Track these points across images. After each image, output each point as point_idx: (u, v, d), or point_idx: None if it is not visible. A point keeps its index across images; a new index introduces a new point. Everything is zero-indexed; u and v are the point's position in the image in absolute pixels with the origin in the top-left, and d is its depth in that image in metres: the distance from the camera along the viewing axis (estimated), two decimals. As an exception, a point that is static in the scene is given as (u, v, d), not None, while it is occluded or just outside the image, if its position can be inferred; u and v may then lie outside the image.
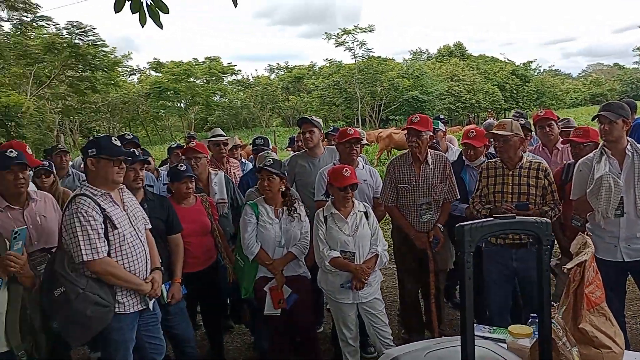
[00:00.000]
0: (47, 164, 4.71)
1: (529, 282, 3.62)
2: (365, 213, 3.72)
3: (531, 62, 60.97)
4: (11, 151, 3.32)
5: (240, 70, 48.43)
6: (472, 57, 55.39)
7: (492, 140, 3.98)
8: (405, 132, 4.06)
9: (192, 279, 3.80)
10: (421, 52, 61.86)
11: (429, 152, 4.04)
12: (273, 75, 55.12)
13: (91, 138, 3.48)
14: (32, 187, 3.72)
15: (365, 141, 4.98)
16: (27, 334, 2.87)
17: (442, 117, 6.74)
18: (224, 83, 46.80)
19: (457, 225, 1.22)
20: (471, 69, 48.99)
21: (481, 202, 3.80)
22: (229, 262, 4.11)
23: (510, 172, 3.70)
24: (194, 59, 42.94)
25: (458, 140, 7.03)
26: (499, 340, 2.16)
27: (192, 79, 40.85)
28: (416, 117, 4.02)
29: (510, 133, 3.65)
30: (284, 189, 3.80)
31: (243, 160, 6.46)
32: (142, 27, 2.32)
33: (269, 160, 3.75)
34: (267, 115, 50.56)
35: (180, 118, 44.50)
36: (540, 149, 4.74)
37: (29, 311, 2.89)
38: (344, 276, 3.62)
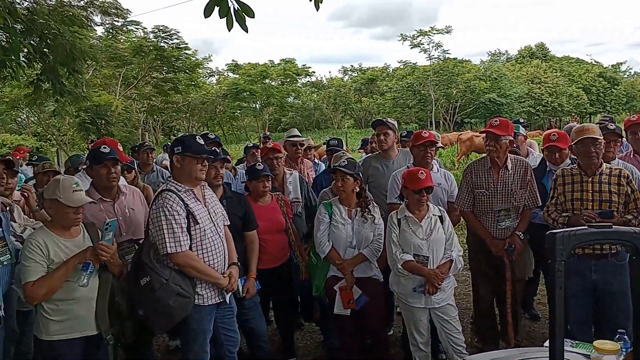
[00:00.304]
0: (130, 160, 5.01)
1: (609, 294, 3.40)
2: (441, 217, 3.65)
3: (621, 63, 57.34)
4: (105, 147, 3.56)
5: (314, 72, 49.07)
6: (555, 58, 52.83)
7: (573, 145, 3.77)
8: (484, 135, 3.95)
9: (265, 275, 3.89)
10: (500, 53, 59.79)
11: (508, 157, 3.91)
12: (346, 77, 55.29)
13: (175, 137, 3.66)
14: (122, 181, 3.96)
15: (440, 144, 4.89)
16: (114, 319, 3.03)
17: (521, 120, 6.48)
18: (298, 84, 47.49)
19: (548, 232, 1.18)
20: (554, 70, 46.68)
21: (557, 210, 3.61)
22: (301, 260, 4.17)
23: (590, 179, 3.48)
24: (270, 60, 43.96)
25: (539, 145, 6.74)
26: (581, 355, 2.06)
27: (267, 81, 41.79)
28: (496, 121, 3.89)
29: (601, 137, 3.46)
30: (359, 189, 3.80)
31: (316, 161, 6.54)
32: (229, 30, 2.41)
33: (344, 161, 3.77)
34: (339, 116, 50.82)
35: (255, 118, 45.60)
36: (632, 156, 4.44)
37: (117, 298, 3.05)
38: (416, 280, 3.58)
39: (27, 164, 8.71)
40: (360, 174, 3.85)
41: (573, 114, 40.74)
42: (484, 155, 4.10)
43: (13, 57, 4.23)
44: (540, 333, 4.73)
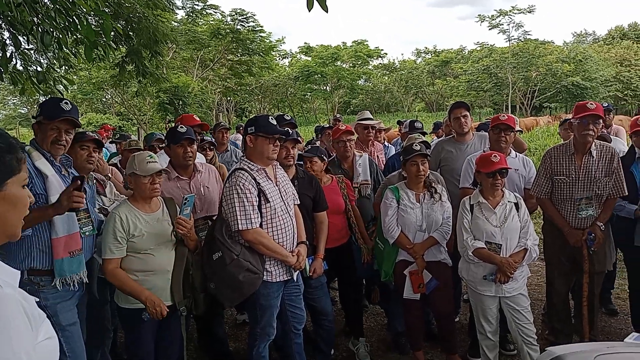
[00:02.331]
0: (210, 139, 5.17)
1: None
2: (516, 204, 3.52)
3: None
4: (182, 127, 3.69)
5: (386, 54, 48.45)
6: (648, 38, 48.87)
7: None
8: (577, 121, 3.68)
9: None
10: (586, 34, 56.16)
11: (593, 143, 3.68)
12: (420, 59, 54.08)
13: (248, 118, 3.71)
14: (200, 159, 4.10)
15: (518, 128, 4.69)
16: (188, 292, 3.17)
17: (605, 104, 6.04)
18: (369, 67, 47.06)
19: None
20: (646, 52, 43.23)
21: None
22: (362, 242, 4.14)
23: None
24: (342, 42, 43.83)
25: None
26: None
27: (338, 63, 41.71)
28: (592, 104, 3.63)
29: None
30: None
31: (386, 143, 6.47)
32: (309, 11, 2.37)
33: (417, 145, 3.71)
34: (410, 99, 49.96)
35: (325, 100, 45.78)
36: None
37: (191, 272, 3.18)
38: (487, 268, 3.49)
39: (110, 142, 9.29)
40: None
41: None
42: (566, 141, 3.87)
43: (105, 39, 4.45)
44: (617, 329, 4.50)
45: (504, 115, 4.05)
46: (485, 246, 3.45)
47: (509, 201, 3.51)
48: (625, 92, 39.78)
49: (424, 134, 4.98)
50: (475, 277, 3.55)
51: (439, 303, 3.78)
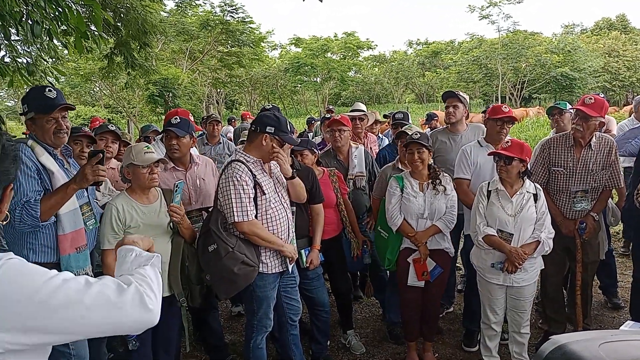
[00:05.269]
0: (201, 130, 5.14)
1: None
2: (535, 195, 3.46)
3: None
4: (175, 118, 3.66)
5: (376, 45, 48.29)
6: (635, 30, 49.19)
7: None
8: (573, 112, 3.72)
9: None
10: (574, 25, 56.36)
11: (594, 135, 3.68)
12: (410, 50, 54.01)
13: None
14: (195, 151, 4.07)
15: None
16: (184, 283, 3.18)
17: (601, 96, 6.07)
18: (360, 59, 46.91)
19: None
20: (634, 43, 43.51)
21: None
22: (353, 236, 4.13)
23: None
24: (334, 33, 43.66)
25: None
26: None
27: (328, 54, 41.52)
28: (590, 99, 3.62)
29: None
30: (431, 161, 3.73)
31: (379, 135, 6.47)
32: (303, 0, 2.36)
33: (416, 133, 3.70)
34: (401, 91, 49.91)
35: (316, 92, 45.59)
36: None
37: (187, 264, 3.19)
38: (496, 255, 3.47)
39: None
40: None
41: (654, 90, 38.01)
42: (566, 132, 3.87)
43: (96, 29, 4.41)
44: (609, 317, 4.54)
45: (506, 107, 3.97)
46: (496, 234, 3.42)
47: (527, 191, 3.46)
48: (614, 83, 40.03)
49: (402, 124, 4.97)
50: (485, 264, 3.53)
51: (435, 291, 3.78)
